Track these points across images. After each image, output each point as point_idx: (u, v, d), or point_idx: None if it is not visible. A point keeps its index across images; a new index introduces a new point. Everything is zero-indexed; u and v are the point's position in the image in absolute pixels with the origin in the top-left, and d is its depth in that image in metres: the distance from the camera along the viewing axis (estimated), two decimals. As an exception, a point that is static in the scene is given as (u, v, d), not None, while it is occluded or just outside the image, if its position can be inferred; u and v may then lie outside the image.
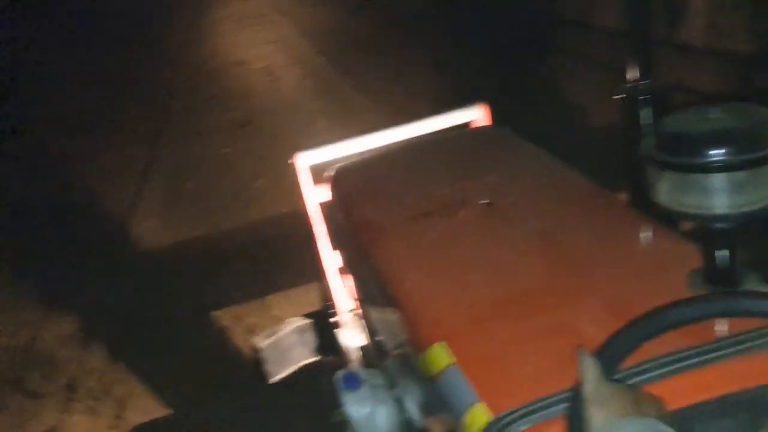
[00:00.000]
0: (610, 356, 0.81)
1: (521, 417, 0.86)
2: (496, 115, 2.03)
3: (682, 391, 0.85)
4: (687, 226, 1.15)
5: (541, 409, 0.86)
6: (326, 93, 6.60)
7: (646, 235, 1.24)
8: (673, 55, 5.12)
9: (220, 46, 10.28)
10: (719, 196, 0.89)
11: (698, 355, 0.88)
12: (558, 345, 0.99)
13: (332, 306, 2.10)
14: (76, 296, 3.66)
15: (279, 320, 2.55)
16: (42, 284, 3.86)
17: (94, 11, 12.74)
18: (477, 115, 2.03)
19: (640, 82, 1.43)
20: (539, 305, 1.09)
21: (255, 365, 2.27)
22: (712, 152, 0.88)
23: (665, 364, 0.88)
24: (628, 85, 1.45)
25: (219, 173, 5.26)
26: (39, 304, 3.69)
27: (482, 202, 1.44)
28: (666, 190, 0.94)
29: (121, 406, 2.82)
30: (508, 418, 0.87)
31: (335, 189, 1.83)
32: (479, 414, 0.91)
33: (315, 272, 2.14)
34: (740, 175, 0.87)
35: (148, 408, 2.75)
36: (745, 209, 0.88)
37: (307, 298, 2.94)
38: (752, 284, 0.96)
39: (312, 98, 6.58)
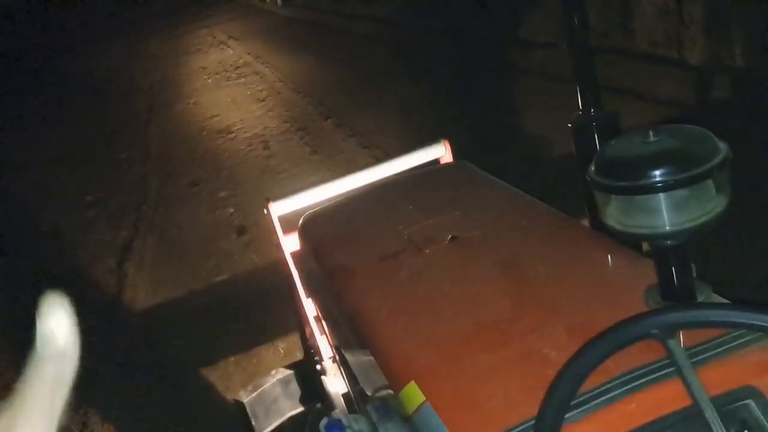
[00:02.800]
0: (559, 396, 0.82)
1: None
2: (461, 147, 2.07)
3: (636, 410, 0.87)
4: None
5: None
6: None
7: (606, 256, 1.26)
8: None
9: (196, 108, 8.83)
10: (663, 215, 0.92)
11: (651, 373, 0.90)
12: (525, 373, 1.00)
13: (314, 354, 2.09)
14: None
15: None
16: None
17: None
18: (440, 152, 2.06)
19: (589, 109, 1.47)
20: (505, 335, 1.10)
21: (242, 421, 2.24)
22: (651, 173, 0.90)
23: (616, 387, 0.90)
24: (578, 113, 1.50)
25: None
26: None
27: (447, 237, 1.46)
28: (613, 213, 0.97)
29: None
30: None
31: (304, 236, 1.84)
32: None
33: (296, 321, 2.14)
34: (681, 193, 0.90)
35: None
36: (689, 225, 0.91)
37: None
38: (705, 295, 0.99)
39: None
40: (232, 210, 4.92)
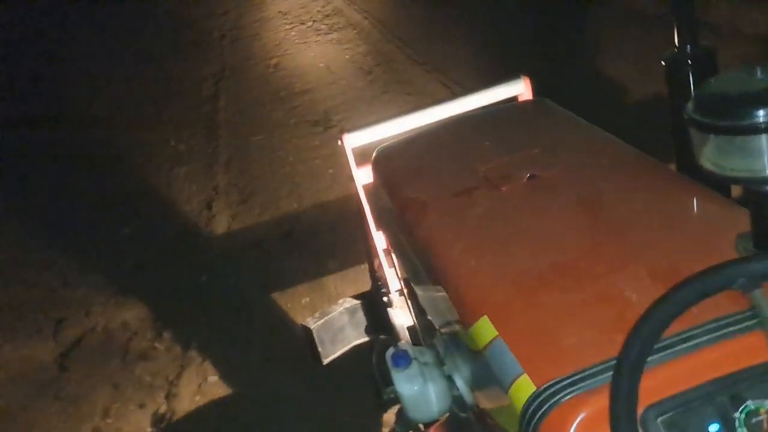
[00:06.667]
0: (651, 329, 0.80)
1: (564, 388, 0.86)
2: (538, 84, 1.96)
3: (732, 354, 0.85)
4: (737, 189, 1.12)
5: (584, 379, 0.86)
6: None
7: (693, 200, 1.21)
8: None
9: (280, 75, 6.51)
10: (764, 158, 0.86)
11: (738, 322, 0.87)
12: (602, 314, 0.98)
13: (381, 286, 2.12)
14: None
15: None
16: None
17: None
18: (519, 89, 2.00)
19: (686, 46, 1.39)
20: (584, 275, 1.08)
21: (309, 346, 2.31)
22: (756, 113, 0.85)
23: (710, 331, 0.87)
24: (674, 49, 1.42)
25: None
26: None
27: (526, 175, 1.42)
28: (711, 154, 0.92)
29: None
30: (551, 389, 0.87)
31: (377, 170, 1.84)
32: (523, 386, 0.92)
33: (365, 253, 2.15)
34: None
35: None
36: None
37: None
38: None
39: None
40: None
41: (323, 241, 3.62)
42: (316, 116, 5.31)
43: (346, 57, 6.59)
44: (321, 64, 6.57)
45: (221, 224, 4.18)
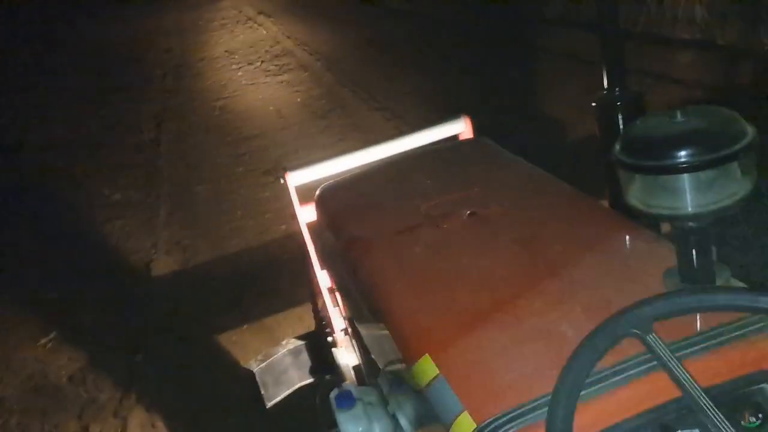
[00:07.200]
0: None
1: (504, 424, 0.87)
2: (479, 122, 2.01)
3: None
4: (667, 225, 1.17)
5: (523, 414, 0.87)
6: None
7: (625, 236, 1.25)
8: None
9: (226, 119, 6.17)
10: (687, 196, 0.91)
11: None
12: (539, 350, 1.00)
13: (325, 325, 2.10)
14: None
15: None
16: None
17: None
18: (460, 128, 2.04)
19: (614, 89, 1.46)
20: (521, 312, 1.10)
21: (252, 390, 2.26)
22: (677, 154, 0.89)
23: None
24: (603, 91, 1.49)
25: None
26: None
27: (466, 213, 1.45)
28: (637, 192, 0.96)
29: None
30: (492, 426, 0.88)
31: (321, 208, 1.84)
32: (464, 423, 0.92)
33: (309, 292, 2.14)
34: (706, 174, 0.89)
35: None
36: (713, 207, 0.90)
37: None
38: (724, 279, 0.98)
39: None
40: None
41: (276, 309, 3.16)
42: (266, 164, 4.91)
43: (298, 100, 6.23)
44: (271, 107, 6.19)
45: (161, 291, 3.66)
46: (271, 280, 3.44)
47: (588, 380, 0.79)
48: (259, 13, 11.22)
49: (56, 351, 3.33)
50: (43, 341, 3.40)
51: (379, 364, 1.57)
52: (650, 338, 0.78)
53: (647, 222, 1.24)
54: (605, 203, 1.57)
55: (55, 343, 3.38)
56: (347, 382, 1.91)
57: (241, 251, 3.89)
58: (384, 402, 1.55)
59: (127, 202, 4.86)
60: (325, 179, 1.94)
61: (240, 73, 7.65)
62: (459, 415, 0.94)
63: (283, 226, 3.93)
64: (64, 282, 3.91)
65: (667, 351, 0.77)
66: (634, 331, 0.79)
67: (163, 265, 3.92)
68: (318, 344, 2.18)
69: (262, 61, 7.91)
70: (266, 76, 7.28)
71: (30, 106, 7.75)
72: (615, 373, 0.89)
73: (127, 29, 11.33)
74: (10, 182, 5.69)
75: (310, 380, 2.27)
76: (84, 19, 11.94)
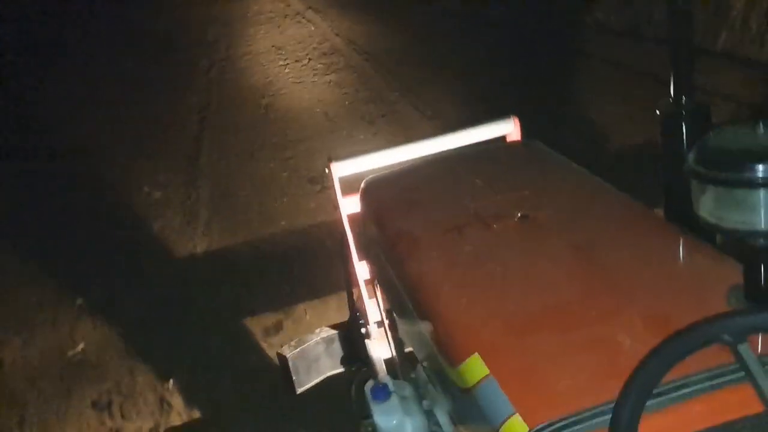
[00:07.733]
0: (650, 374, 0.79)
1: (558, 430, 0.86)
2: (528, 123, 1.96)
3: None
4: (723, 240, 1.14)
5: (579, 422, 0.86)
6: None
7: (683, 249, 1.23)
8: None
9: (271, 118, 5.96)
10: (762, 212, 0.88)
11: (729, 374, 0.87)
12: (595, 359, 0.98)
13: (359, 317, 2.10)
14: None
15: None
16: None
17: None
18: (509, 129, 2.02)
19: (681, 98, 1.42)
20: (576, 319, 1.08)
21: (283, 375, 2.27)
22: (756, 167, 0.87)
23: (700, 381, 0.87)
24: (670, 99, 1.45)
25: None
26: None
27: (517, 215, 1.43)
28: (709, 205, 0.93)
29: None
30: (546, 431, 0.86)
31: (365, 200, 1.83)
32: (515, 426, 0.91)
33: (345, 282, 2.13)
34: None
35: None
36: None
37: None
38: None
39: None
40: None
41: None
42: (312, 171, 4.52)
43: (347, 103, 5.99)
44: (318, 109, 5.93)
45: (194, 317, 3.25)
46: (316, 307, 3.12)
47: (656, 390, 0.77)
48: (308, 7, 10.92)
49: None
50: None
51: (417, 359, 1.56)
52: (742, 348, 0.76)
53: (703, 235, 1.21)
54: (658, 212, 1.53)
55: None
56: (381, 374, 1.90)
57: (282, 272, 3.52)
58: (420, 397, 1.55)
59: (167, 202, 4.60)
60: (369, 172, 1.94)
61: (287, 70, 7.41)
62: (510, 418, 0.92)
63: (329, 242, 3.44)
64: (94, 291, 3.62)
65: (758, 363, 0.75)
66: (727, 338, 0.77)
67: (198, 283, 3.59)
68: (351, 335, 2.17)
69: (310, 59, 7.63)
70: (314, 75, 7.02)
71: (70, 92, 7.55)
72: (683, 386, 0.87)
73: (172, 18, 11.16)
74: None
75: (341, 370, 2.27)
76: (131, 6, 11.80)
